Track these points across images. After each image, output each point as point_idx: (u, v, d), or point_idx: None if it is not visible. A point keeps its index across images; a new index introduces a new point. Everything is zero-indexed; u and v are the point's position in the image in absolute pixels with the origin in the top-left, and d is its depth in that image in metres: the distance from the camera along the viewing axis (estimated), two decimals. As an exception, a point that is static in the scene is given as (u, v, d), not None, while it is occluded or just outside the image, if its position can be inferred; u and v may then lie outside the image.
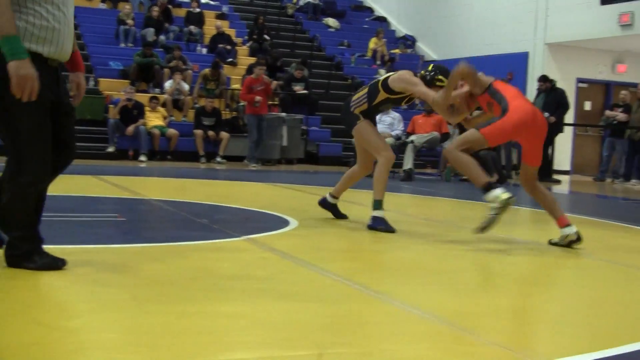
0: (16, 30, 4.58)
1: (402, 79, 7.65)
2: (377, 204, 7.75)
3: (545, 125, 7.17)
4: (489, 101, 7.10)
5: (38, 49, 4.78)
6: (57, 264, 5.01)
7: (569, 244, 6.99)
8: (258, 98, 18.38)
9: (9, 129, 4.81)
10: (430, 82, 7.53)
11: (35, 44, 4.77)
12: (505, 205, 6.62)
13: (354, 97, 8.05)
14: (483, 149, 9.54)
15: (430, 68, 7.71)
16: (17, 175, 4.86)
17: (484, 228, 6.78)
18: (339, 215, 8.57)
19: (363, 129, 7.89)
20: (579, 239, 6.98)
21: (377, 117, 17.26)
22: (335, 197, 8.61)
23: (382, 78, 7.93)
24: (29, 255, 4.95)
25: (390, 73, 7.99)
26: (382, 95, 7.79)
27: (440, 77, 7.51)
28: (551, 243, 7.18)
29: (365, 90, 7.98)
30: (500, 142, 7.44)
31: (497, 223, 6.76)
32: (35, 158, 4.85)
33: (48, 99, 4.87)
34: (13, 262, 4.96)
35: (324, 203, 8.68)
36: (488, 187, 6.77)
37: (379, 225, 7.59)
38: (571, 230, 7.00)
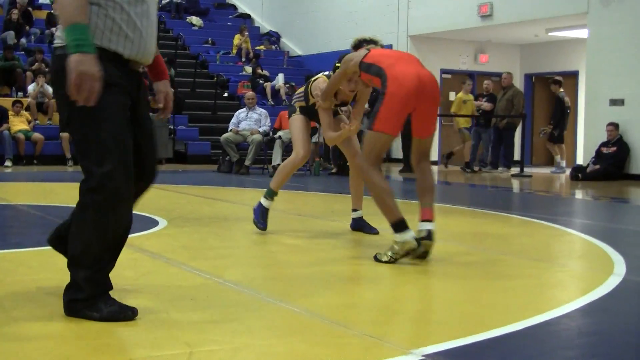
0: (87, 20, 3.82)
1: (315, 92, 7.28)
2: (269, 192, 7.53)
3: (437, 91, 6.27)
4: (368, 79, 6.40)
5: (118, 49, 4.01)
6: (126, 313, 4.07)
7: (418, 242, 5.90)
8: None
9: (85, 138, 4.03)
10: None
11: (116, 43, 3.99)
12: (408, 255, 5.84)
13: (297, 90, 7.87)
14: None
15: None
16: (94, 193, 4.02)
17: (377, 260, 5.92)
18: (365, 229, 7.60)
19: (292, 122, 7.61)
20: (428, 237, 6.02)
21: (244, 114, 17.45)
22: (356, 210, 7.68)
23: (313, 79, 7.50)
24: (93, 302, 4.04)
25: (317, 76, 7.51)
26: (311, 99, 7.42)
27: (337, 64, 7.15)
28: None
29: (303, 88, 7.67)
30: (399, 126, 6.18)
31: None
32: (118, 172, 3.97)
33: (127, 106, 4.10)
34: (73, 309, 4.07)
35: (354, 224, 7.72)
36: (398, 227, 5.85)
37: (255, 216, 7.42)
38: (425, 226, 6.08)
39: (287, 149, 17.21)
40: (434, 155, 22.88)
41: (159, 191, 12.19)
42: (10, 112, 18.84)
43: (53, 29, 23.74)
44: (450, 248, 6.91)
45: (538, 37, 22.48)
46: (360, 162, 6.32)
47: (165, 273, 5.50)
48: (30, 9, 24.41)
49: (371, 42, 6.80)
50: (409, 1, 22.63)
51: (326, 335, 3.92)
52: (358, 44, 6.84)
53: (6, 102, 19.37)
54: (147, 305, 4.41)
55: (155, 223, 8.00)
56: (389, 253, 5.84)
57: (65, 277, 5.12)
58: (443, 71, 23.39)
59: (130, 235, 6.91)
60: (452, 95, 23.02)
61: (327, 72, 7.49)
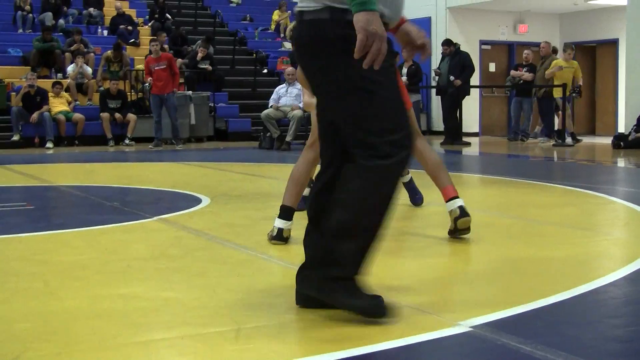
0: None
1: None
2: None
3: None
4: None
5: (384, 10, 3.54)
6: (385, 309, 3.59)
7: (455, 222, 5.71)
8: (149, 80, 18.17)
9: (363, 107, 3.54)
10: None
11: (383, 3, 3.53)
12: (271, 240, 5.66)
13: None
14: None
15: None
16: (382, 160, 3.51)
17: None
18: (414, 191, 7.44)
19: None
20: (463, 214, 5.68)
21: (284, 89, 17.42)
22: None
23: None
24: (352, 285, 3.66)
25: None
26: None
27: None
28: (449, 233, 5.81)
29: None
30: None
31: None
32: (407, 139, 3.59)
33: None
34: (326, 288, 3.68)
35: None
36: (281, 212, 5.69)
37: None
38: (455, 204, 5.74)
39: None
40: (475, 126, 22.76)
41: (200, 169, 12.22)
42: (50, 94, 18.93)
43: (91, 9, 23.85)
44: (494, 219, 6.86)
45: (577, 5, 22.24)
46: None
47: (210, 250, 5.50)
48: (67, -11, 24.48)
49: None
50: (446, -28, 22.48)
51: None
52: None
53: (46, 83, 19.45)
54: (193, 282, 4.41)
55: (198, 201, 8.00)
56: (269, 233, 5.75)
57: (109, 257, 5.15)
58: (482, 42, 23.22)
59: (173, 214, 6.99)
60: (492, 67, 22.88)
61: None
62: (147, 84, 20.28)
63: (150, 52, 18.48)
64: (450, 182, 5.87)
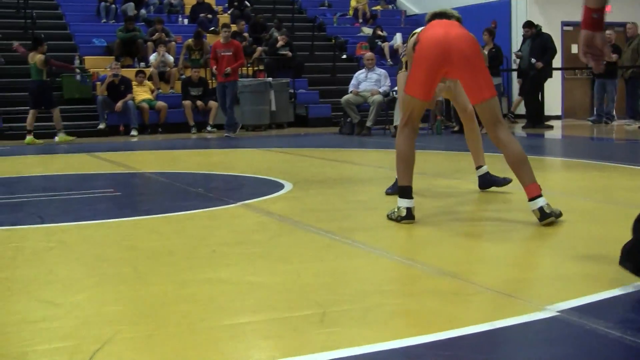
0: None
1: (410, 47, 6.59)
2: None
3: (469, 49, 5.76)
4: None
5: None
6: None
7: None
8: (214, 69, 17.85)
9: None
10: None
11: None
12: (397, 220, 5.77)
13: (405, 43, 7.28)
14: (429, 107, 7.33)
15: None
16: None
17: (387, 217, 5.93)
18: (499, 181, 7.30)
19: (399, 80, 7.34)
20: (544, 215, 5.52)
21: (363, 75, 17.41)
22: (480, 166, 7.37)
23: (412, 33, 6.79)
24: None
25: (417, 30, 6.63)
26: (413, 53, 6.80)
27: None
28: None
29: (408, 42, 6.99)
30: (428, 90, 5.79)
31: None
32: None
33: None
34: None
35: (481, 182, 7.41)
36: (401, 193, 5.85)
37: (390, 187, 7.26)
38: (536, 204, 5.56)
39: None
40: (557, 109, 22.49)
41: (282, 155, 12.29)
42: (133, 82, 19.18)
43: (172, -2, 24.07)
44: (578, 203, 6.80)
45: (663, -16, 21.82)
46: (399, 125, 6.13)
47: (294, 235, 5.54)
48: (148, -21, 24.74)
49: (443, 15, 6.23)
50: (527, -47, 22.20)
51: (457, 293, 3.89)
52: (430, 19, 6.29)
53: (129, 72, 19.71)
54: (278, 267, 4.45)
55: (280, 186, 8.05)
56: (390, 212, 5.94)
57: (195, 242, 5.23)
58: (564, 23, 22.88)
59: (256, 199, 7.06)
60: (574, 48, 22.55)
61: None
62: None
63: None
64: (533, 179, 5.68)
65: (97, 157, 12.54)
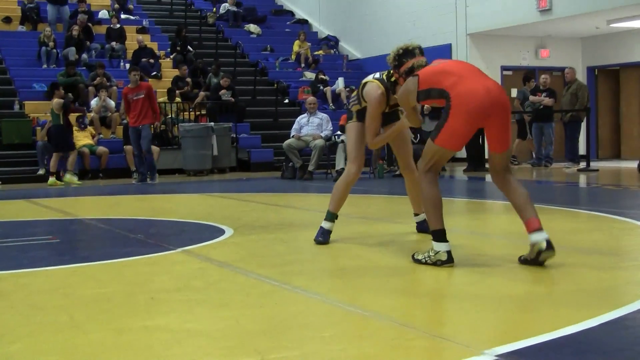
0: None
1: (367, 97, 6.89)
2: (328, 215, 7.19)
3: (507, 101, 5.82)
4: (431, 103, 6.20)
5: None
6: None
7: (538, 254, 5.63)
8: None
9: None
10: (391, 86, 6.80)
11: None
12: (436, 264, 5.68)
13: (353, 93, 7.33)
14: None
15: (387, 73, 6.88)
16: None
17: (414, 259, 5.92)
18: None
19: (348, 130, 7.23)
20: (549, 247, 5.60)
21: (305, 119, 17.44)
22: (417, 214, 7.59)
23: (364, 81, 7.02)
24: None
25: (369, 79, 7.02)
26: (363, 102, 7.00)
27: (391, 72, 6.71)
28: (521, 261, 5.82)
29: (357, 91, 7.16)
30: (464, 142, 5.84)
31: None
32: None
33: None
34: None
35: (420, 227, 7.58)
36: (437, 237, 5.74)
37: (317, 236, 7.15)
38: (541, 236, 5.63)
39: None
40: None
41: (224, 200, 12.25)
42: (74, 128, 19.05)
43: (113, 43, 24.04)
44: (519, 245, 6.82)
45: (599, 29, 22.17)
46: (420, 169, 5.96)
47: (234, 281, 5.50)
48: (90, 24, 24.67)
49: (409, 53, 6.36)
50: (466, -1, 22.48)
51: (397, 337, 3.87)
52: (398, 61, 6.41)
53: (70, 117, 19.58)
54: (217, 314, 4.41)
55: (221, 232, 8.01)
56: (424, 255, 5.82)
57: (133, 289, 5.16)
58: (504, 68, 23.21)
59: (197, 245, 7.00)
60: (513, 92, 22.84)
61: (377, 75, 7.02)
62: (169, 116, 20.43)
63: (176, 85, 18.52)
64: (537, 215, 5.76)
65: (36, 203, 12.40)
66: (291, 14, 31.23)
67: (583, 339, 3.77)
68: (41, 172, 18.41)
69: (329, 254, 6.69)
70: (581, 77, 22.52)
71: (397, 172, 17.11)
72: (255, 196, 13.02)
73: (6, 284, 5.59)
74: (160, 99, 21.32)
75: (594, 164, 18.36)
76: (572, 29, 22.42)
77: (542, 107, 19.54)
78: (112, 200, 13.31)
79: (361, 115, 7.07)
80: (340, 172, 16.30)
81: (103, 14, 26.86)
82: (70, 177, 17.58)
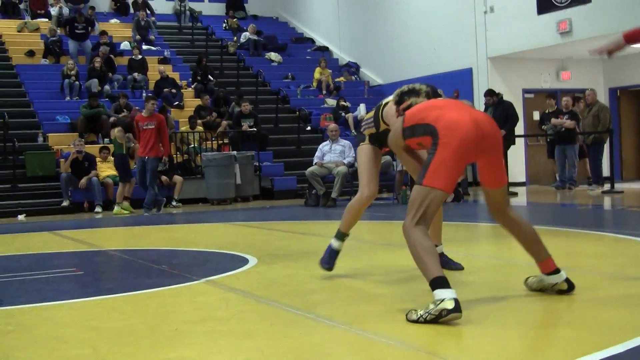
0: None
1: (387, 116, 6.58)
2: (339, 234, 7.01)
3: (498, 132, 5.48)
4: (417, 142, 5.63)
5: None
6: None
7: (559, 293, 5.54)
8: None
9: None
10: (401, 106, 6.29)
11: None
12: (441, 317, 4.75)
13: (366, 116, 7.00)
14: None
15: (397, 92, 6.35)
16: None
17: (408, 319, 4.91)
18: (449, 265, 6.95)
19: (359, 153, 6.97)
20: (570, 287, 5.51)
21: (327, 146, 17.43)
22: (436, 245, 6.54)
23: (384, 102, 6.72)
24: None
25: (388, 99, 6.65)
26: (382, 125, 6.70)
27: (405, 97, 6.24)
28: (528, 286, 5.77)
29: (372, 112, 6.90)
30: (454, 181, 5.31)
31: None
32: None
33: None
34: None
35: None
36: (438, 284, 4.90)
37: (323, 258, 6.95)
38: (560, 278, 5.52)
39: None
40: (522, 175, 22.65)
41: (247, 228, 12.25)
42: (97, 159, 19.15)
43: (135, 74, 24.17)
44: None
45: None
46: (406, 223, 5.23)
47: (257, 311, 5.49)
48: (112, 56, 24.83)
49: (414, 92, 6.05)
50: (486, 23, 22.45)
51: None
52: (400, 98, 6.12)
53: (93, 149, 19.70)
54: (241, 345, 4.40)
55: (245, 261, 8.00)
56: (421, 312, 4.84)
57: (157, 321, 5.15)
58: (525, 91, 23.14)
59: (220, 275, 6.99)
60: (536, 115, 22.78)
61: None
62: (192, 146, 20.49)
63: (198, 114, 18.52)
64: (550, 255, 5.64)
65: (60, 235, 12.44)
66: (311, 41, 31.33)
67: (610, 365, 3.74)
68: (65, 203, 18.48)
69: (353, 282, 6.67)
70: (603, 98, 22.42)
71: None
72: (279, 224, 13.01)
73: (30, 317, 5.59)
74: (183, 128, 21.41)
75: (618, 186, 18.26)
76: (593, 51, 22.34)
77: (563, 129, 19.47)
78: (135, 231, 13.34)
79: (375, 139, 6.87)
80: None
81: (125, 45, 27.02)
82: (126, 206, 17.90)
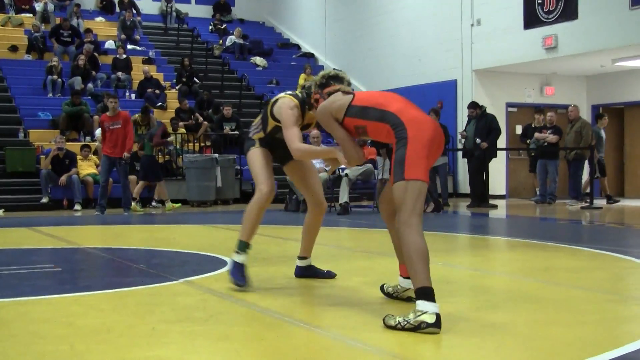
0: None
1: (279, 111, 6.51)
2: (241, 245, 6.77)
3: (443, 140, 5.45)
4: (356, 125, 5.58)
5: None
6: None
7: (408, 299, 5.63)
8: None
9: None
10: (309, 103, 6.39)
11: None
12: (419, 328, 4.74)
13: (254, 122, 6.89)
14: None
15: (307, 86, 6.51)
16: None
17: (385, 324, 4.91)
18: (319, 274, 7.09)
19: (250, 157, 6.78)
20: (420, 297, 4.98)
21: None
22: (304, 257, 7.19)
23: (274, 99, 6.70)
24: None
25: (281, 95, 6.70)
26: (271, 122, 6.63)
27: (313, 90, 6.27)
28: (384, 292, 5.90)
29: (260, 116, 6.84)
30: (427, 170, 5.20)
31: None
32: None
33: None
34: None
35: (300, 272, 7.15)
36: (425, 296, 4.86)
37: (232, 275, 6.50)
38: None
39: (354, 186, 17.17)
40: (502, 189, 22.71)
41: (226, 231, 12.23)
42: (78, 157, 19.12)
43: (119, 73, 24.14)
44: (521, 283, 6.82)
45: (604, 67, 22.21)
46: (402, 219, 5.11)
47: (235, 313, 5.49)
48: (96, 54, 24.79)
49: (339, 79, 6.02)
50: (472, 36, 22.53)
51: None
52: (325, 81, 6.05)
53: (74, 146, 19.66)
54: (218, 346, 4.40)
55: (224, 263, 7.99)
56: (399, 319, 4.84)
57: (135, 320, 5.14)
58: (509, 105, 23.23)
59: (199, 277, 6.98)
60: (518, 129, 22.85)
61: (289, 92, 6.77)
62: (172, 147, 20.49)
63: (178, 115, 18.53)
64: None
65: (39, 231, 12.39)
66: (297, 47, 31.36)
67: (585, 378, 3.76)
68: (44, 200, 18.44)
69: (332, 288, 6.68)
70: (586, 115, 22.53)
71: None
72: (259, 228, 12.98)
73: (7, 312, 5.57)
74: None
75: (597, 202, 18.34)
76: (577, 67, 22.46)
77: (546, 144, 19.55)
78: (114, 230, 13.30)
79: (265, 142, 6.76)
80: (343, 205, 16.30)
81: (109, 44, 27.00)
82: (170, 205, 18.38)
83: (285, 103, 6.47)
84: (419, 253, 4.98)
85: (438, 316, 4.76)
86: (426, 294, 4.86)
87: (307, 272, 7.06)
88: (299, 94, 6.57)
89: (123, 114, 16.78)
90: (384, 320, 4.94)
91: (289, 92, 6.73)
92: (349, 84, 6.07)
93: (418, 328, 4.73)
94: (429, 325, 4.72)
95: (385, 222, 5.93)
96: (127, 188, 17.01)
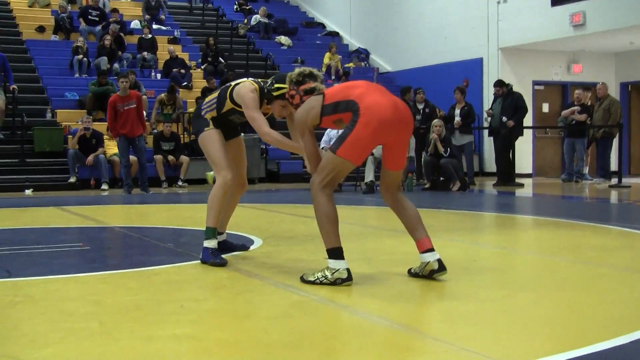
0: None
1: (239, 94, 6.64)
2: (208, 232, 6.84)
3: (412, 120, 5.85)
4: (337, 119, 5.79)
5: None
6: None
7: (430, 273, 5.78)
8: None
9: None
10: (269, 95, 6.55)
11: None
12: (336, 284, 5.53)
13: (206, 99, 6.94)
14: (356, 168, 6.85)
15: (269, 80, 6.63)
16: None
17: (304, 280, 5.70)
18: (235, 248, 7.41)
19: (205, 139, 6.83)
20: (441, 268, 5.75)
21: (334, 131, 17.44)
22: (220, 232, 7.29)
23: (234, 83, 6.79)
24: None
25: (241, 80, 6.83)
26: (228, 104, 6.73)
27: (277, 85, 6.45)
28: (411, 273, 6.01)
29: (216, 94, 6.89)
30: (364, 157, 5.78)
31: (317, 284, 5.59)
32: None
33: None
34: None
35: (225, 247, 7.34)
36: (333, 254, 5.61)
37: (208, 259, 6.64)
38: (433, 256, 5.76)
39: (380, 166, 17.13)
40: (528, 167, 22.62)
41: (253, 210, 12.26)
42: (105, 137, 19.17)
43: (144, 53, 24.16)
44: (549, 261, 6.80)
45: (633, 44, 22.04)
46: (314, 182, 5.79)
47: (262, 292, 5.51)
48: (122, 34, 24.83)
49: (313, 77, 6.13)
50: (499, 13, 22.42)
51: (426, 352, 3.88)
52: (301, 79, 6.12)
53: (101, 126, 19.71)
54: (245, 324, 4.42)
55: (250, 242, 8.02)
56: (318, 274, 5.63)
57: (163, 297, 5.18)
58: (535, 82, 23.12)
59: (225, 255, 7.00)
60: (545, 107, 22.76)
61: (251, 78, 6.87)
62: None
63: (204, 95, 18.49)
64: (428, 234, 5.91)
65: (67, 210, 12.46)
66: (322, 26, 31.30)
67: (612, 356, 3.75)
68: (72, 179, 18.52)
69: (358, 267, 6.69)
70: (614, 92, 22.37)
71: (427, 185, 17.13)
72: (284, 207, 13.03)
73: (37, 289, 5.62)
74: (191, 109, 21.41)
75: (625, 180, 18.25)
76: (605, 44, 22.31)
77: (574, 122, 19.44)
78: (141, 209, 13.36)
79: (218, 122, 6.83)
80: (368, 184, 16.31)
81: (135, 24, 27.03)
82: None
83: (245, 86, 6.68)
84: (329, 216, 5.69)
85: (349, 271, 5.59)
86: (337, 253, 5.61)
87: (222, 247, 7.16)
88: (261, 83, 6.77)
89: (135, 93, 16.82)
90: (302, 277, 5.73)
91: (250, 78, 6.90)
92: (323, 82, 6.22)
93: (334, 284, 5.53)
94: (343, 280, 5.55)
95: (390, 208, 6.12)
96: (144, 168, 17.02)
